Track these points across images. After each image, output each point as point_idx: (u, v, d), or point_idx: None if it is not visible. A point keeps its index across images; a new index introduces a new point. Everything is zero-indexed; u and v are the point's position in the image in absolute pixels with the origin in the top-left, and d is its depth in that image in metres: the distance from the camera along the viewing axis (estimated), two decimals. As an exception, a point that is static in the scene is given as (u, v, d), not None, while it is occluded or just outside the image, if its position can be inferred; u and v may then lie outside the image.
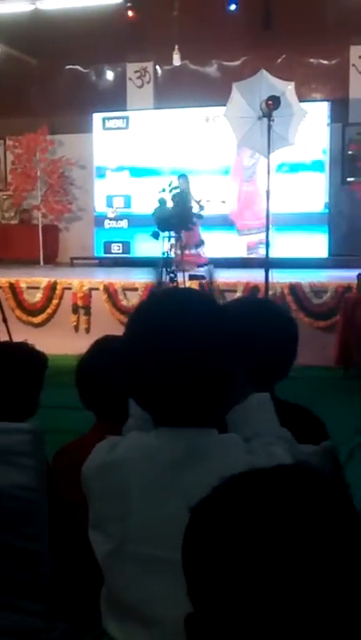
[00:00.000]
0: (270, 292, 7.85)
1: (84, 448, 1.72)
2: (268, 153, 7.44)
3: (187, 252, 9.26)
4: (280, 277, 8.23)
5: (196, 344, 1.25)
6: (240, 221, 11.43)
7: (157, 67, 12.39)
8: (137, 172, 11.80)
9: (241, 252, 11.30)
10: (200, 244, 9.98)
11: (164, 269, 8.26)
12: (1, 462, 1.76)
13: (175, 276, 8.16)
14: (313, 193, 11.17)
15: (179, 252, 8.88)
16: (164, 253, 8.62)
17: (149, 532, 1.20)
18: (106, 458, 1.31)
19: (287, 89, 7.83)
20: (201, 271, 8.74)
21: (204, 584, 0.77)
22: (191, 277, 8.37)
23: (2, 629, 1.75)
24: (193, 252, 9.73)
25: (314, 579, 0.72)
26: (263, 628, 0.72)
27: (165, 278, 8.20)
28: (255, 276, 7.73)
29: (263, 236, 10.82)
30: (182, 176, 10.21)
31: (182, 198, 8.57)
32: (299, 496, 0.78)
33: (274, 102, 7.33)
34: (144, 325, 1.31)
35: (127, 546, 1.24)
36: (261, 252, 9.63)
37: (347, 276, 8.59)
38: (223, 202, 11.33)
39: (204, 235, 10.26)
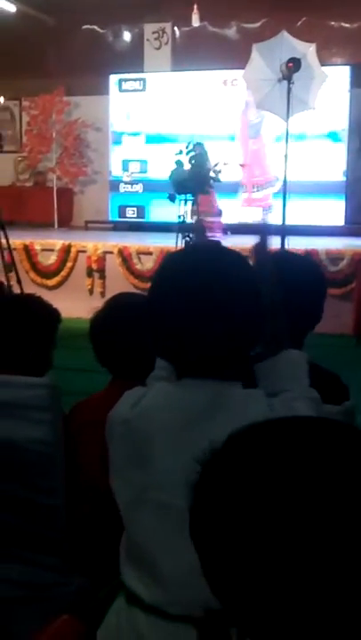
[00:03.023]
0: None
1: (100, 404, 1.71)
2: (288, 116, 7.32)
3: (209, 219, 9.21)
4: (296, 244, 8.15)
5: (224, 298, 1.24)
6: (248, 178, 11.32)
7: (175, 28, 12.16)
8: (153, 140, 11.68)
9: (256, 219, 11.20)
10: (219, 212, 9.91)
11: (179, 234, 8.20)
12: (18, 417, 1.76)
13: (191, 240, 8.11)
14: (332, 161, 11.01)
15: (195, 217, 8.81)
16: (179, 217, 8.55)
17: (169, 480, 1.20)
18: (133, 407, 1.31)
19: (308, 51, 7.68)
20: (217, 237, 8.68)
21: (214, 541, 0.75)
22: (207, 243, 8.31)
23: (18, 583, 1.75)
24: (211, 219, 9.68)
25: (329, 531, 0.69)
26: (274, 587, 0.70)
27: (181, 243, 8.14)
28: (272, 242, 7.67)
29: (269, 192, 10.92)
30: (198, 144, 10.13)
31: (199, 161, 8.47)
32: (320, 445, 0.75)
33: (294, 64, 7.20)
34: (171, 279, 1.30)
35: (147, 493, 1.24)
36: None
37: (364, 244, 8.51)
38: (242, 165, 11.19)
39: (220, 201, 10.20)
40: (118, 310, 2.01)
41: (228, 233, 8.84)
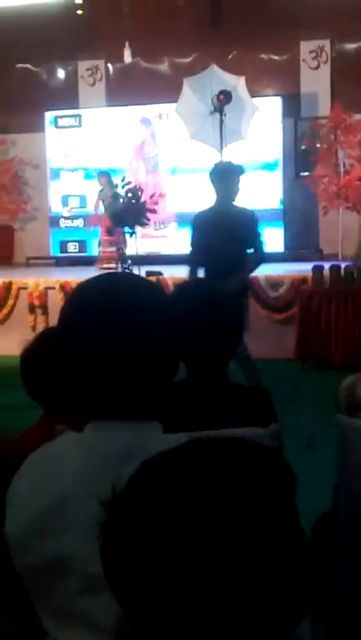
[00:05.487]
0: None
1: (32, 440, 1.69)
2: (221, 148, 7.45)
3: (109, 249, 9.30)
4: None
5: (137, 331, 1.18)
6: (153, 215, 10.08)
7: (109, 64, 12.31)
8: (92, 175, 11.71)
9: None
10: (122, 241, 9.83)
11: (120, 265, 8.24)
12: None
13: (131, 272, 8.13)
14: (268, 190, 11.19)
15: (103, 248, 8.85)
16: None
17: (87, 548, 1.06)
18: (39, 476, 1.20)
19: (239, 83, 7.87)
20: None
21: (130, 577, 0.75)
22: (148, 274, 8.33)
23: None
24: (111, 249, 9.73)
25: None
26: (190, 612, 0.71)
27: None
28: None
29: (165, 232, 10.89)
30: (102, 173, 10.16)
31: (136, 194, 8.54)
32: (229, 466, 0.76)
33: (225, 97, 7.36)
34: (82, 310, 1.22)
35: (65, 563, 1.14)
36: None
37: (303, 269, 8.65)
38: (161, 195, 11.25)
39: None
40: (46, 343, 2.01)
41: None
